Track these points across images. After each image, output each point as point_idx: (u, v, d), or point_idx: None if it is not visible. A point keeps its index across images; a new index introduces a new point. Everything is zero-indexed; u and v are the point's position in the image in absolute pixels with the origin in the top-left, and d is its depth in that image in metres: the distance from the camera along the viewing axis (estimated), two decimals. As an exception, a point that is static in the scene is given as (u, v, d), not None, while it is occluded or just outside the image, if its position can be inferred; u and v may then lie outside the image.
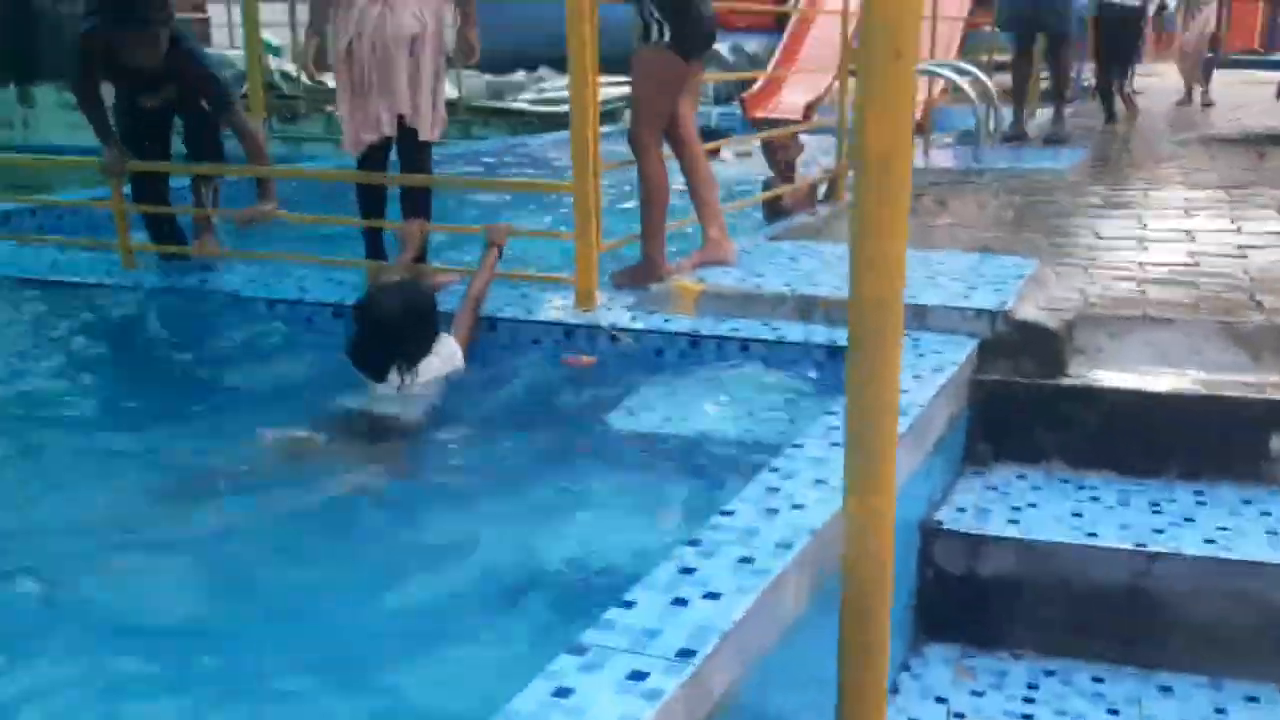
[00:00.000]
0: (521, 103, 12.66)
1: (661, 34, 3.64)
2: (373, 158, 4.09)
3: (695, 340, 3.49)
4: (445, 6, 3.99)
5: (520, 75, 13.74)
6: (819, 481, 2.21)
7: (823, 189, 5.79)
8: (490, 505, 2.71)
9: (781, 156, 5.64)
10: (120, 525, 2.61)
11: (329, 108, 13.20)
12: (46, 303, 4.22)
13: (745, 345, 3.43)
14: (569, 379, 3.51)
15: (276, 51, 15.56)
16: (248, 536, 2.54)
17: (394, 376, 3.29)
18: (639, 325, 3.56)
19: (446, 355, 3.43)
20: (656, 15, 3.63)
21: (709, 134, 5.19)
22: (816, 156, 5.99)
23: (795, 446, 2.44)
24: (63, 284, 4.30)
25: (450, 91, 13.16)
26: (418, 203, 4.13)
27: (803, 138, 5.88)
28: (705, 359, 3.47)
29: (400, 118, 3.92)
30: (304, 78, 13.06)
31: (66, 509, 2.71)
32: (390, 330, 3.30)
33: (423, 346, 3.37)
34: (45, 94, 13.05)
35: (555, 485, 2.80)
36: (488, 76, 13.73)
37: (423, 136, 3.98)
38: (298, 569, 2.38)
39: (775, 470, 2.29)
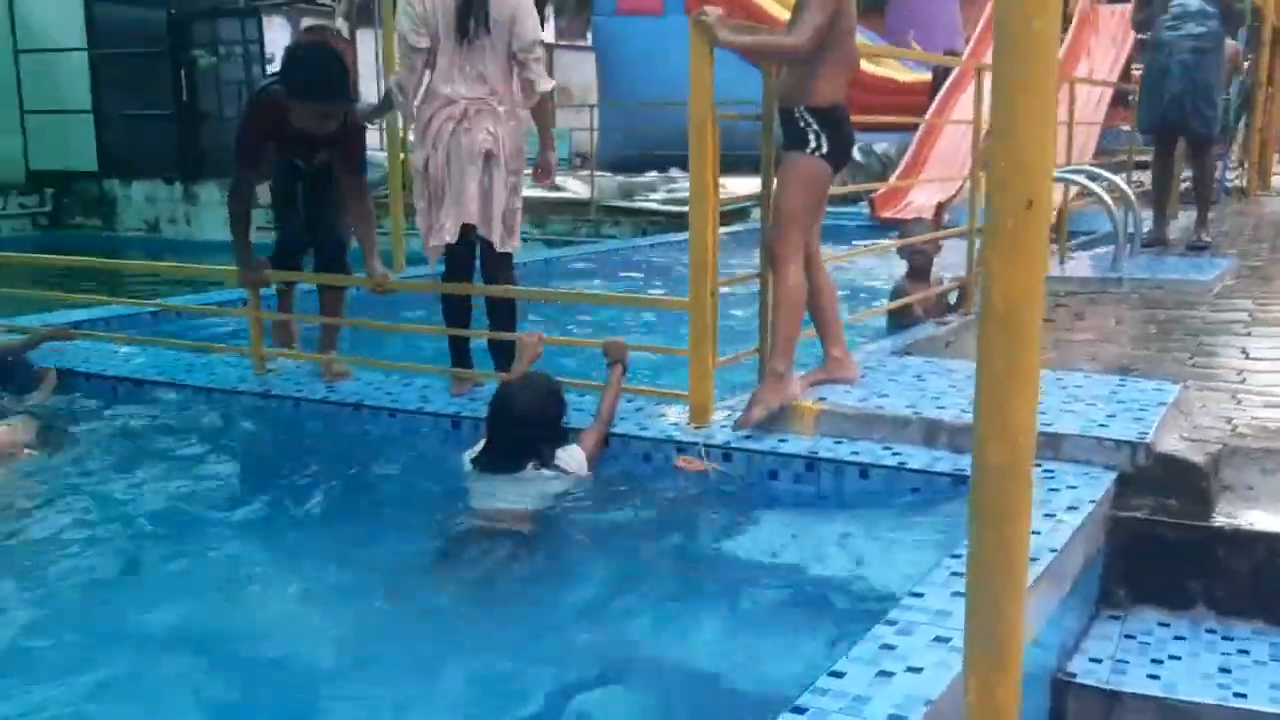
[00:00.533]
0: (652, 202, 12.85)
1: (819, 144, 3.59)
2: (456, 269, 4.16)
3: (811, 463, 3.38)
4: (521, 127, 4.05)
5: (652, 175, 13.97)
6: (939, 639, 2.07)
7: (953, 297, 5.64)
8: (575, 623, 2.64)
9: (919, 261, 5.53)
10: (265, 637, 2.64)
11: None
12: (179, 406, 4.35)
13: (865, 471, 3.30)
14: (679, 498, 3.42)
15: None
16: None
17: (527, 470, 3.38)
18: (752, 445, 3.47)
19: (575, 460, 3.47)
20: (815, 125, 3.59)
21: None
22: (947, 260, 5.84)
23: (915, 595, 2.30)
24: (197, 388, 4.43)
25: (583, 191, 13.48)
26: (500, 314, 4.19)
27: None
28: (822, 483, 3.35)
29: (472, 228, 3.98)
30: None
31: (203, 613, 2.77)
32: (526, 419, 3.44)
33: (556, 437, 3.49)
34: (209, 191, 13.76)
35: (650, 615, 2.72)
36: (619, 177, 14.00)
37: (498, 248, 4.04)
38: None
39: (891, 624, 2.16)
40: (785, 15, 16.05)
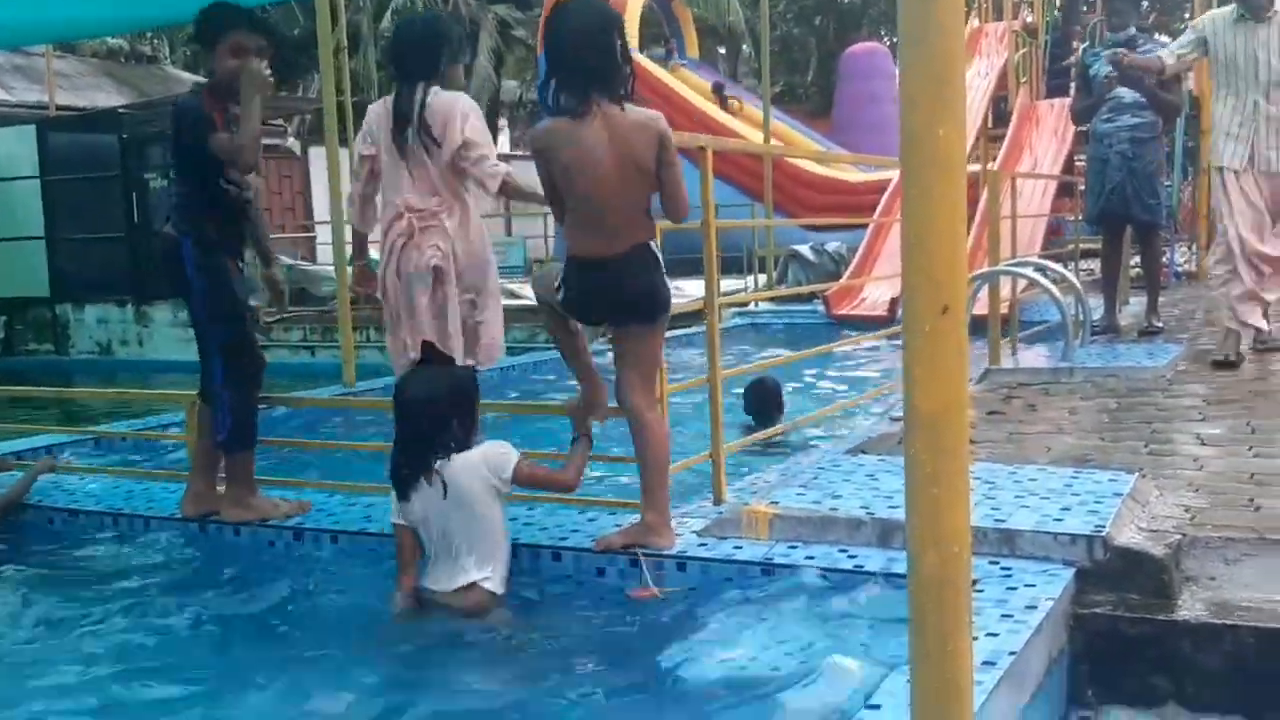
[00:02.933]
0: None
1: (563, 289, 3.60)
2: None
3: (767, 569, 3.30)
4: (482, 235, 3.93)
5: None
6: (896, 755, 1.98)
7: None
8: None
9: None
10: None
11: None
12: (116, 539, 4.22)
13: (823, 574, 3.22)
14: (632, 609, 3.32)
15: (378, 266, 16.22)
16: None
17: (432, 486, 3.33)
18: (706, 554, 3.38)
19: (494, 459, 3.40)
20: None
21: None
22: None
23: (871, 708, 2.21)
24: (133, 516, 4.30)
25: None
26: None
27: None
28: (779, 589, 3.25)
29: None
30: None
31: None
32: (427, 412, 3.44)
33: (466, 431, 3.45)
34: (161, 312, 13.68)
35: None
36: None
37: (460, 363, 3.94)
38: None
39: (847, 741, 2.06)
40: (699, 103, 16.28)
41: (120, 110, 15.64)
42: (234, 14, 4.04)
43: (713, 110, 17.74)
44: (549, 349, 11.45)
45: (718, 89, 19.08)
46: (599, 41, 3.38)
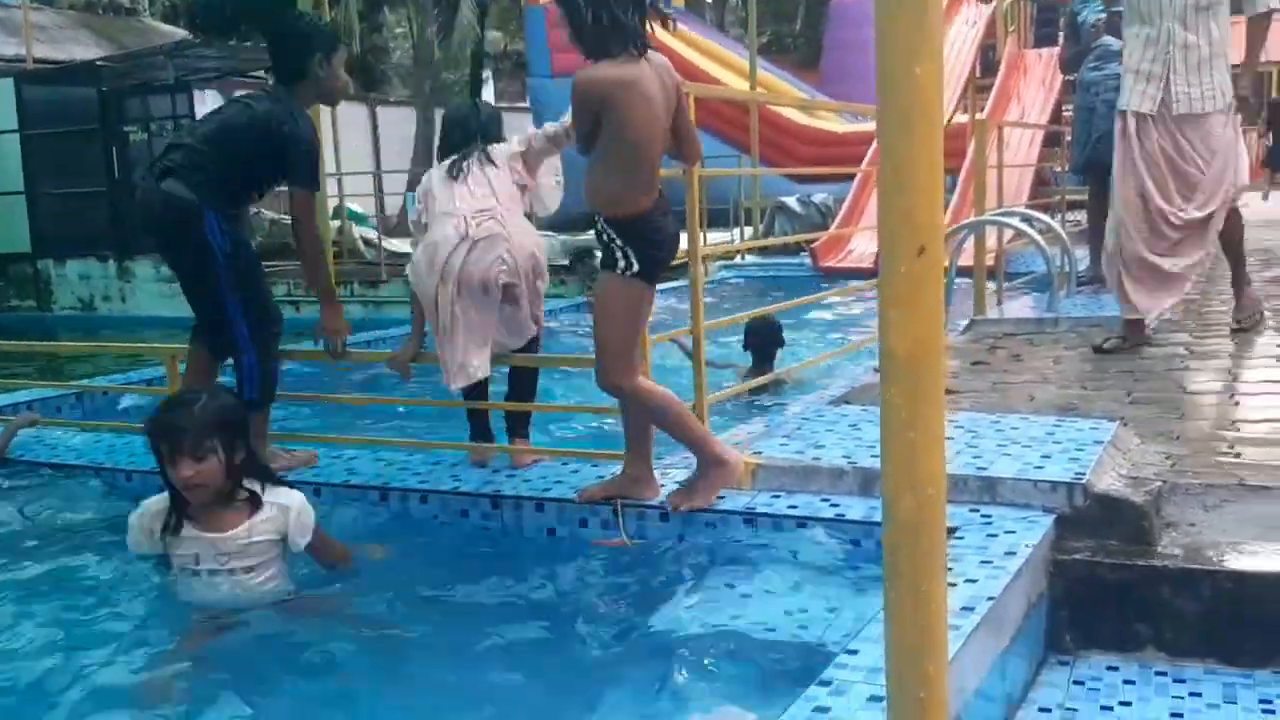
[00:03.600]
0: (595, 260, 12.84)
1: (629, 264, 3.25)
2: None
3: (749, 518, 3.30)
4: (530, 231, 3.82)
5: (587, 238, 14.00)
6: (874, 699, 1.99)
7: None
8: (500, 696, 2.52)
9: None
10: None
11: (408, 270, 13.59)
12: (101, 489, 4.20)
13: (803, 523, 3.23)
14: (613, 560, 3.33)
15: (361, 220, 16.12)
16: None
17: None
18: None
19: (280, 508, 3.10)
20: (619, 242, 3.25)
21: None
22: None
23: (849, 653, 2.22)
24: (116, 470, 4.28)
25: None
26: (522, 384, 4.06)
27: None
28: (761, 539, 3.27)
29: None
30: (384, 244, 13.43)
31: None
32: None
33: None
34: (143, 267, 13.58)
35: (575, 688, 2.60)
36: (563, 236, 13.99)
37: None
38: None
39: (825, 684, 2.07)
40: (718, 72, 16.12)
41: (99, 63, 15.43)
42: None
43: (699, 60, 17.56)
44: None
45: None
46: None
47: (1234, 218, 5.15)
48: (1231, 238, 5.25)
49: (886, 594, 1.45)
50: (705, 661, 2.67)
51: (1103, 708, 2.65)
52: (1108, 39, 7.38)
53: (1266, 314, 5.52)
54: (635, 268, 3.25)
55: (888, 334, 1.39)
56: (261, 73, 17.40)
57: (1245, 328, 5.35)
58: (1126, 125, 5.00)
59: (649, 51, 3.23)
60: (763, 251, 12.04)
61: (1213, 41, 4.82)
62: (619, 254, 3.24)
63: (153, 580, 3.28)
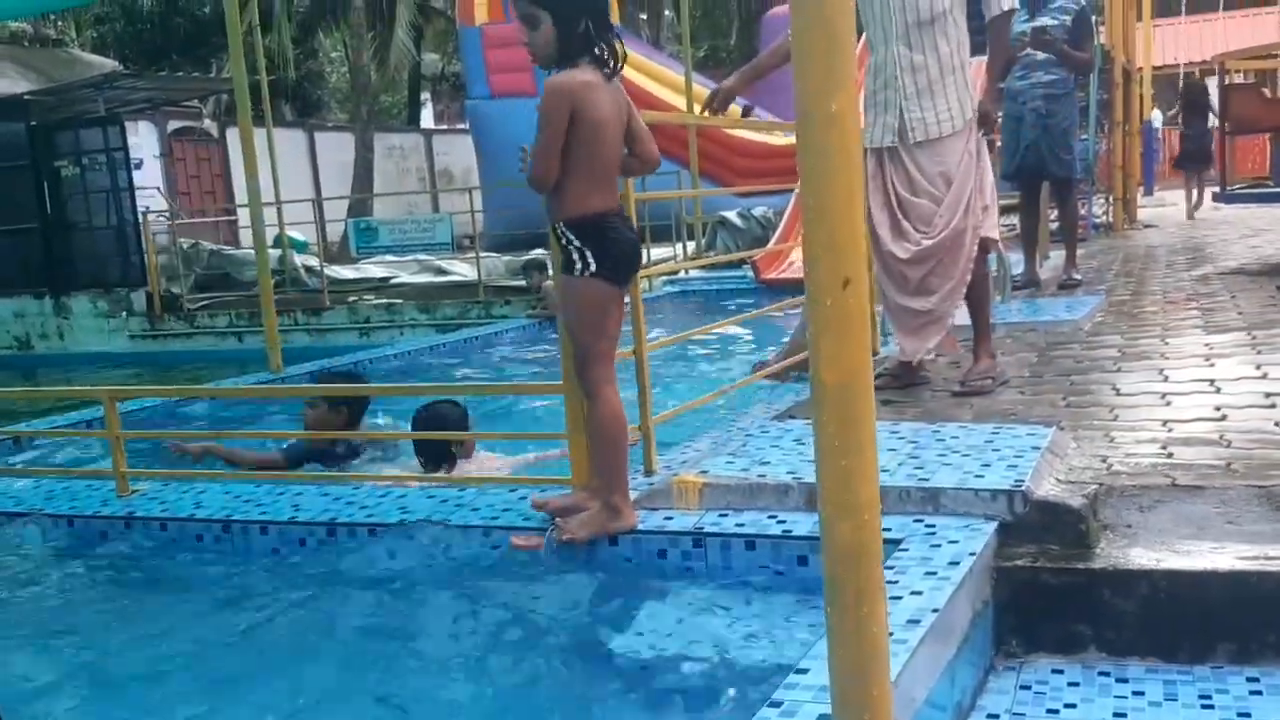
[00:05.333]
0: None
1: (586, 263, 3.30)
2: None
3: (698, 539, 3.33)
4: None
5: (539, 252, 14.00)
6: (824, 718, 2.01)
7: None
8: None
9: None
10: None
11: (350, 299, 13.49)
12: (40, 537, 4.13)
13: (751, 543, 3.26)
14: (560, 583, 3.32)
15: (302, 247, 15.98)
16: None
17: None
18: (639, 526, 3.40)
19: None
20: (575, 241, 3.31)
21: None
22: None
23: (799, 673, 2.24)
24: (56, 516, 4.22)
25: (470, 273, 13.42)
26: None
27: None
28: (710, 558, 3.29)
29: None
30: (327, 271, 13.34)
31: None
32: None
33: None
34: (80, 304, 13.38)
35: (518, 709, 2.60)
36: (506, 257, 13.99)
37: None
38: None
39: (776, 705, 2.10)
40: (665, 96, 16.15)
41: (26, 97, 15.19)
42: None
43: (637, 77, 17.65)
44: (479, 323, 11.41)
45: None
46: None
47: (981, 280, 4.67)
48: (974, 293, 4.66)
49: (828, 619, 1.48)
50: (655, 684, 2.69)
51: (1048, 711, 2.70)
52: (1031, 51, 7.54)
53: (1002, 381, 4.73)
54: (592, 267, 3.31)
55: (818, 364, 1.42)
56: (196, 102, 17.23)
57: (968, 391, 4.58)
58: (869, 166, 4.51)
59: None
60: (705, 266, 12.12)
61: (941, 58, 4.40)
62: (575, 255, 3.31)
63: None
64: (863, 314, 1.41)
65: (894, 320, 4.71)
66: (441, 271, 14.07)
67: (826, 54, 1.30)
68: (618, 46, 3.36)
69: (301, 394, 4.33)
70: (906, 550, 2.93)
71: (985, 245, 4.60)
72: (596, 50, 3.31)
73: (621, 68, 3.36)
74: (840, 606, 1.45)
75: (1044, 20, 7.54)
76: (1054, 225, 10.02)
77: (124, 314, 13.44)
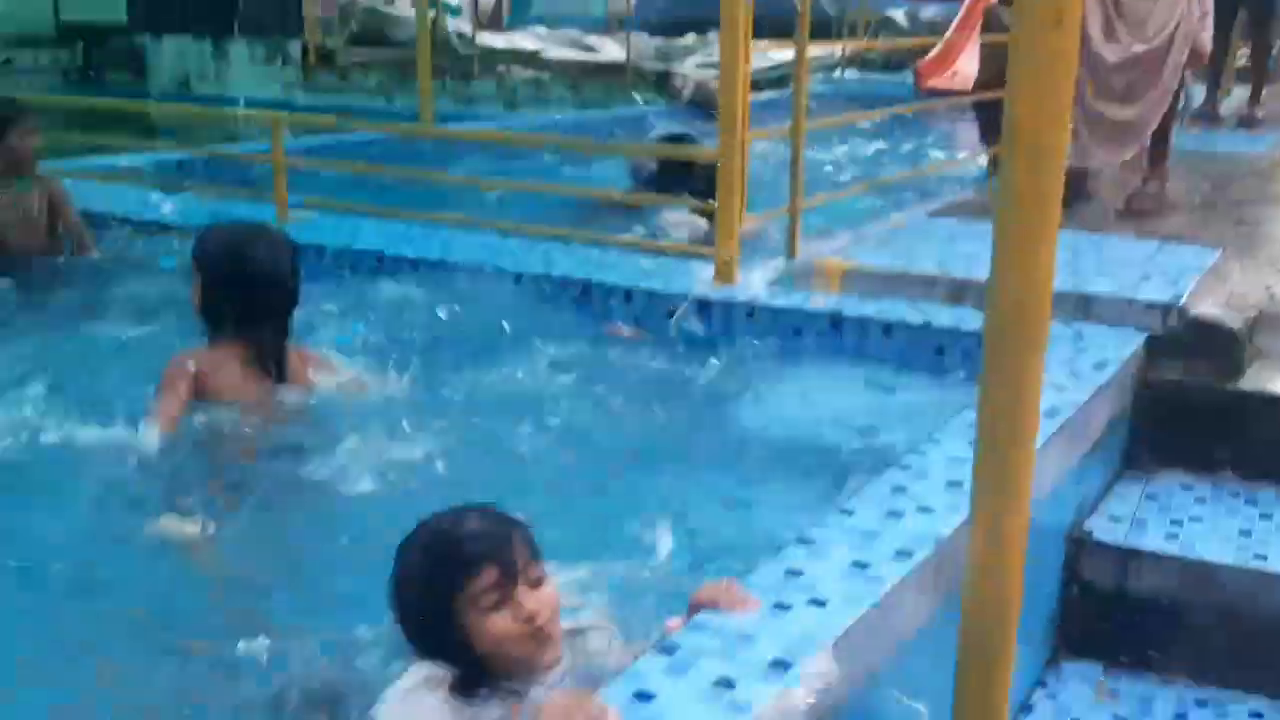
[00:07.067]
0: (689, 67, 12.52)
1: None
2: None
3: (836, 321, 3.33)
4: None
5: (691, 38, 13.60)
6: (952, 484, 2.05)
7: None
8: (590, 490, 2.61)
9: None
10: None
11: (500, 68, 13.39)
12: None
13: (889, 328, 3.25)
14: (696, 357, 3.36)
15: (455, 11, 15.82)
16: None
17: None
18: (778, 304, 3.42)
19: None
20: None
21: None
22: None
23: (931, 442, 2.27)
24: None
25: (618, 54, 13.14)
26: None
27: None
28: (846, 341, 3.30)
29: None
30: (478, 40, 13.25)
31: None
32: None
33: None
34: (239, 50, 13.56)
35: (664, 470, 2.68)
36: (657, 40, 13.63)
37: None
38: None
39: (905, 468, 2.14)
40: None
41: None
42: None
43: None
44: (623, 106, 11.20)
45: None
46: None
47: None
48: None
49: (985, 369, 1.47)
50: (787, 448, 2.75)
51: (1172, 521, 2.71)
52: None
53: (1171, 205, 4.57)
54: None
55: (1014, 112, 1.37)
56: None
57: (1134, 210, 4.48)
58: None
59: None
60: (863, 68, 11.68)
61: None
62: None
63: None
64: (1069, 64, 1.35)
65: (1089, 128, 4.38)
66: (590, 49, 13.81)
67: None
68: None
69: (457, 138, 4.35)
70: (1053, 350, 2.88)
71: (1194, 56, 4.29)
72: None
73: None
74: (999, 360, 1.44)
75: None
76: (1241, 62, 9.32)
77: (280, 63, 13.59)
